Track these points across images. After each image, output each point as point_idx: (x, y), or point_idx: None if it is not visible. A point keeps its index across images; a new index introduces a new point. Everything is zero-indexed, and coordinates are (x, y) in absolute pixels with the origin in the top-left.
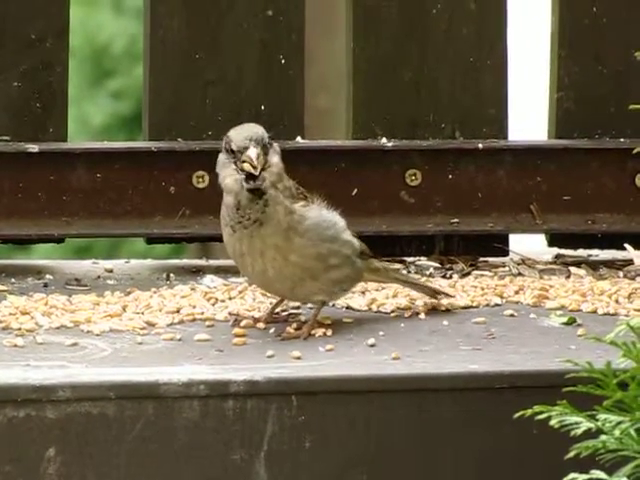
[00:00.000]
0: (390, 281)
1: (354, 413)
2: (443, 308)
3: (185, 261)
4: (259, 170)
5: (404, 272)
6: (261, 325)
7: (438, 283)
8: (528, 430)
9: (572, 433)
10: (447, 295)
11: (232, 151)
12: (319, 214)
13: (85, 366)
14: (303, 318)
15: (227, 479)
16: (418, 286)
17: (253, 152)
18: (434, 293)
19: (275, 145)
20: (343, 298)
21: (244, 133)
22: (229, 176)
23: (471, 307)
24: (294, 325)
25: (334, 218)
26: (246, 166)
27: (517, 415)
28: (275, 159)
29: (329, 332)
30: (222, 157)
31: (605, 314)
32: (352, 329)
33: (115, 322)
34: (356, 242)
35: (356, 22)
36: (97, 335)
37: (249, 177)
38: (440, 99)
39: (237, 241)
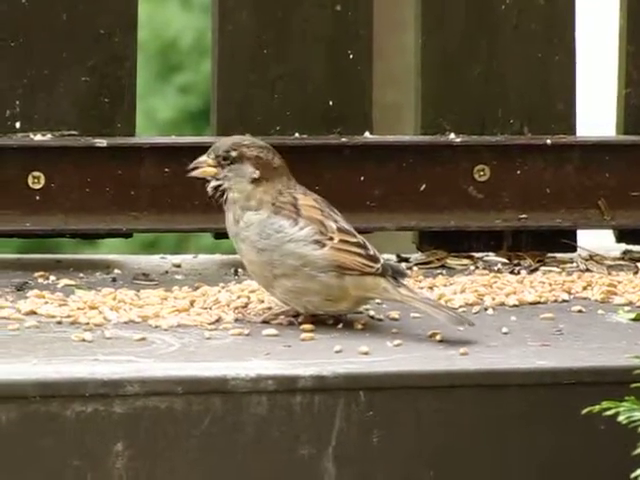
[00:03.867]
0: (404, 300)
1: (422, 408)
2: (511, 304)
3: None
4: (197, 173)
5: (423, 297)
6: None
7: (506, 279)
8: (596, 426)
9: None
10: (469, 323)
11: None
12: (262, 221)
13: (153, 361)
14: (372, 313)
15: (295, 474)
16: (438, 312)
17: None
18: (455, 321)
19: (246, 165)
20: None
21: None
22: None
23: (539, 303)
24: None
25: (280, 227)
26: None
27: (585, 411)
28: (231, 174)
29: (397, 328)
30: None
31: None
32: (420, 324)
33: (183, 317)
34: (319, 254)
35: (425, 17)
36: (165, 330)
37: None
38: (508, 95)
39: None
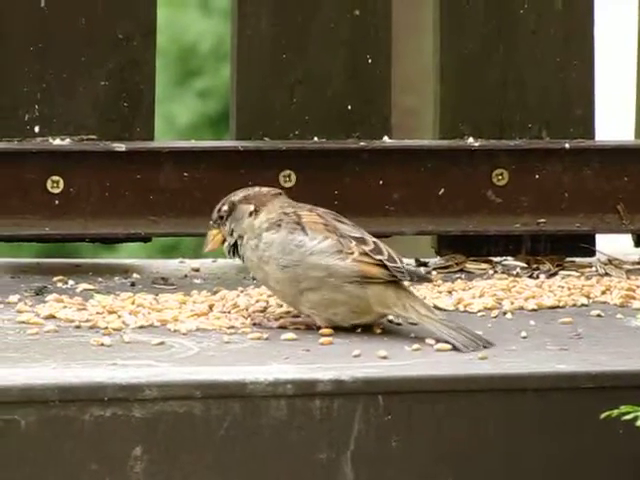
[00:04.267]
0: (422, 320)
1: (440, 412)
2: (530, 308)
3: None
4: (210, 247)
5: (441, 317)
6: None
7: (525, 283)
8: (614, 430)
9: None
10: (484, 345)
11: None
12: (283, 239)
13: (172, 365)
14: (391, 317)
15: (313, 478)
16: (455, 336)
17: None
18: (471, 346)
19: (238, 208)
20: (430, 298)
21: None
22: None
23: (558, 307)
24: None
25: (301, 242)
26: None
27: (603, 415)
28: (232, 225)
29: (415, 333)
30: None
31: None
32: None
33: (202, 321)
34: (344, 265)
35: (443, 22)
36: (184, 334)
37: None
38: (527, 99)
39: None
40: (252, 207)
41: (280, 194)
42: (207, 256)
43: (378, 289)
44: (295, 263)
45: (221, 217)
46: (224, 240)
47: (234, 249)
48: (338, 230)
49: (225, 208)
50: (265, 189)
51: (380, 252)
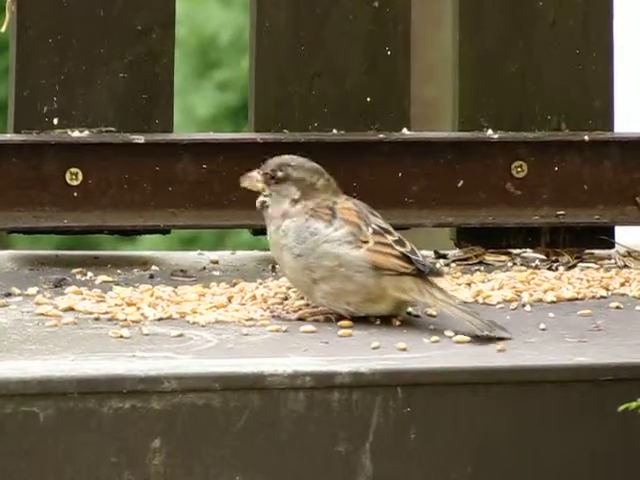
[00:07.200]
0: (438, 305)
1: (459, 405)
2: (549, 300)
3: None
4: (247, 185)
5: (458, 302)
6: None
7: (544, 275)
8: (634, 422)
9: None
10: (502, 338)
11: None
12: (299, 227)
13: (191, 357)
14: (410, 309)
15: (332, 470)
16: (472, 320)
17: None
18: (488, 330)
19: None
20: (449, 290)
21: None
22: None
23: (577, 299)
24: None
25: (316, 230)
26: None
27: (622, 407)
28: (274, 193)
29: (434, 325)
30: None
31: None
32: (458, 321)
33: (221, 313)
34: (356, 254)
35: (462, 14)
36: (203, 326)
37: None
38: (546, 91)
39: None
40: (297, 195)
41: (326, 187)
42: (226, 248)
43: (393, 278)
44: (308, 252)
45: (272, 177)
46: (260, 191)
47: (263, 207)
48: (368, 220)
49: (280, 175)
50: (321, 182)
51: (403, 245)
